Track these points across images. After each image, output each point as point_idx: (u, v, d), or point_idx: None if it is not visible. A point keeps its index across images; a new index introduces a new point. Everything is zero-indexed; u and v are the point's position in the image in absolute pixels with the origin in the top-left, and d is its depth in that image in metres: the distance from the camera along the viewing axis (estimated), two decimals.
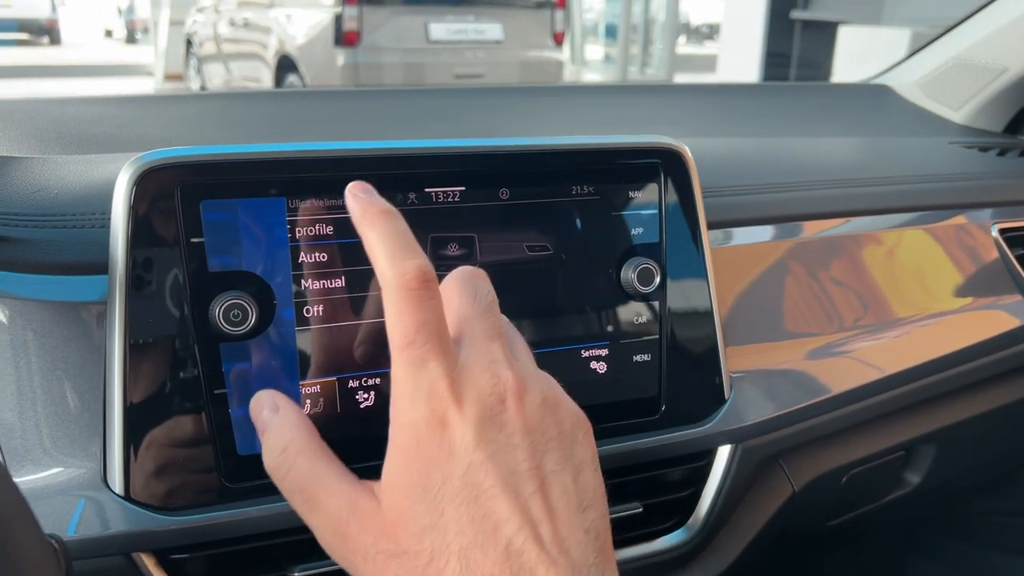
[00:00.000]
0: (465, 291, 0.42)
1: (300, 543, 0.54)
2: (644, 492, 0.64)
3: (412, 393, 0.37)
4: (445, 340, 0.37)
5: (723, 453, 0.66)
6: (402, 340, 0.37)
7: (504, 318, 0.42)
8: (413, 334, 0.37)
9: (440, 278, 0.54)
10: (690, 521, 0.66)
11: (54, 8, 15.95)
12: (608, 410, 0.60)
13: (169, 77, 8.22)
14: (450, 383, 0.36)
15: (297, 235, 0.51)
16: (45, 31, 15.96)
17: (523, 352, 0.42)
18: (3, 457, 0.49)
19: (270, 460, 0.40)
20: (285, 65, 5.74)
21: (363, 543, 0.37)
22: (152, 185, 0.48)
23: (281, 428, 0.40)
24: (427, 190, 0.54)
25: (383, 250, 0.38)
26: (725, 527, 0.69)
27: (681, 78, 9.53)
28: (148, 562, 0.50)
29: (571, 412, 0.40)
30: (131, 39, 17.66)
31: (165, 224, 0.48)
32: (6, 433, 0.49)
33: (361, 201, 0.40)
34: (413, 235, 0.40)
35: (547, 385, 0.40)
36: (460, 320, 0.40)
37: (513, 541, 0.34)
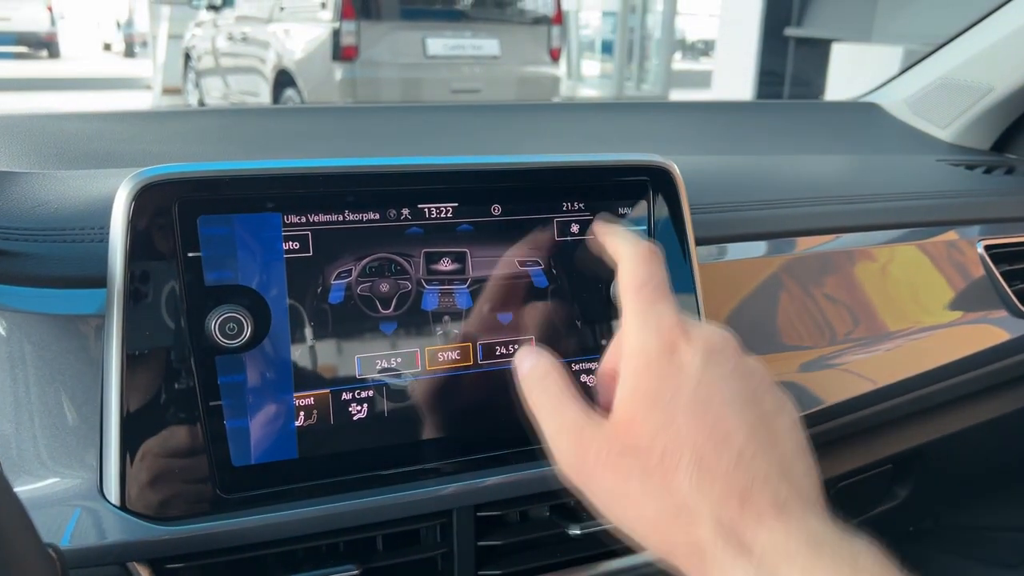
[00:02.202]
0: None
1: (294, 552, 0.55)
2: None
3: (643, 326, 0.41)
4: (670, 292, 0.43)
5: None
6: (635, 283, 0.43)
7: None
8: (645, 280, 0.43)
9: (432, 294, 0.55)
10: None
11: (53, 22, 16.01)
12: None
13: (167, 91, 8.25)
14: (678, 319, 0.41)
15: (292, 250, 0.52)
16: (44, 44, 16.01)
17: None
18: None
19: (530, 380, 0.44)
20: (283, 80, 5.76)
21: (595, 445, 0.40)
22: (150, 200, 0.49)
23: (543, 359, 0.44)
24: (420, 206, 0.55)
25: (621, 235, 0.47)
26: None
27: (677, 94, 9.59)
28: (143, 571, 0.50)
29: (780, 387, 0.44)
30: (130, 53, 17.71)
31: (163, 239, 0.49)
32: (3, 444, 0.50)
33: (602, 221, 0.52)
34: None
35: None
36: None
37: (744, 451, 0.37)
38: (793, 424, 0.40)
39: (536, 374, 0.44)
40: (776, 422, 0.39)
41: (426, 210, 0.55)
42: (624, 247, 0.46)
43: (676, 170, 0.63)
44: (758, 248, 0.76)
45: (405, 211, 0.54)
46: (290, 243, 0.51)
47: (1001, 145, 1.12)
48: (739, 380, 0.40)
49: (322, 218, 0.52)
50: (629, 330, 0.41)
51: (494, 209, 0.57)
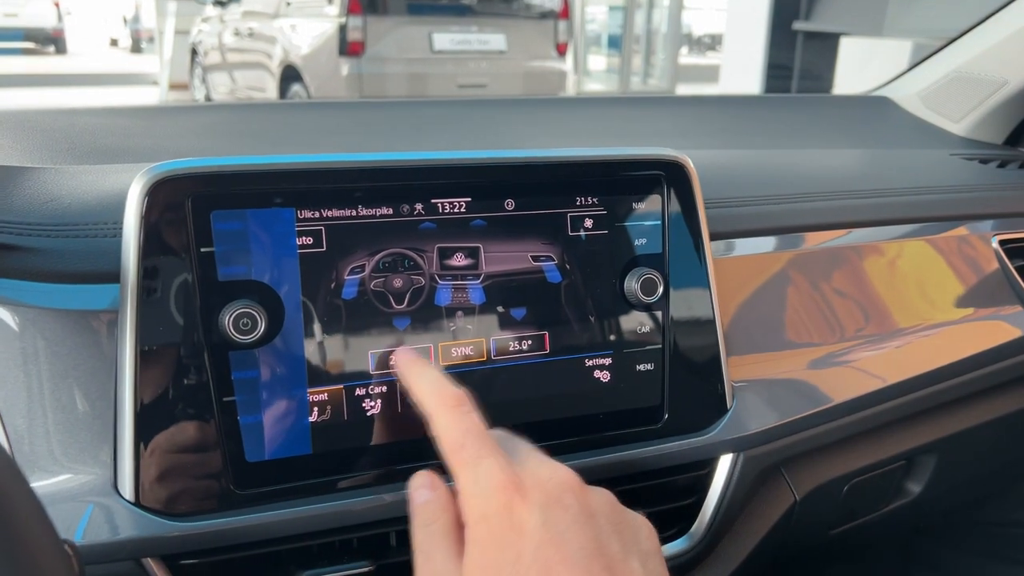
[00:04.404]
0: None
1: (307, 549, 0.54)
2: (647, 500, 0.64)
3: (475, 490, 0.40)
4: (492, 442, 0.42)
5: (725, 462, 0.66)
6: (453, 446, 0.42)
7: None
8: (462, 439, 0.42)
9: (445, 289, 0.55)
10: (693, 529, 0.66)
11: (60, 17, 16.03)
12: (611, 419, 0.60)
13: (174, 86, 8.26)
14: (508, 474, 0.40)
15: (305, 245, 0.51)
16: (51, 40, 16.04)
17: None
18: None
19: (419, 518, 0.43)
20: (289, 75, 5.76)
21: None
22: (164, 195, 0.49)
23: (436, 501, 0.43)
24: (434, 201, 0.54)
25: (425, 385, 0.46)
26: (728, 535, 0.69)
27: (683, 89, 9.56)
28: (157, 567, 0.50)
29: (630, 512, 0.43)
30: (136, 48, 17.73)
31: (176, 234, 0.49)
32: (17, 440, 0.50)
33: (403, 359, 0.51)
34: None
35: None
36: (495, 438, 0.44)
37: None
38: (644, 559, 0.40)
39: (426, 515, 0.43)
40: (622, 567, 0.39)
41: (439, 205, 0.55)
42: (429, 398, 0.44)
43: (690, 164, 0.62)
44: (768, 243, 0.75)
45: (418, 206, 0.54)
46: (303, 238, 0.51)
47: (1015, 139, 1.11)
48: (581, 529, 0.39)
49: (335, 213, 0.52)
50: (464, 496, 0.41)
51: (507, 204, 0.57)
